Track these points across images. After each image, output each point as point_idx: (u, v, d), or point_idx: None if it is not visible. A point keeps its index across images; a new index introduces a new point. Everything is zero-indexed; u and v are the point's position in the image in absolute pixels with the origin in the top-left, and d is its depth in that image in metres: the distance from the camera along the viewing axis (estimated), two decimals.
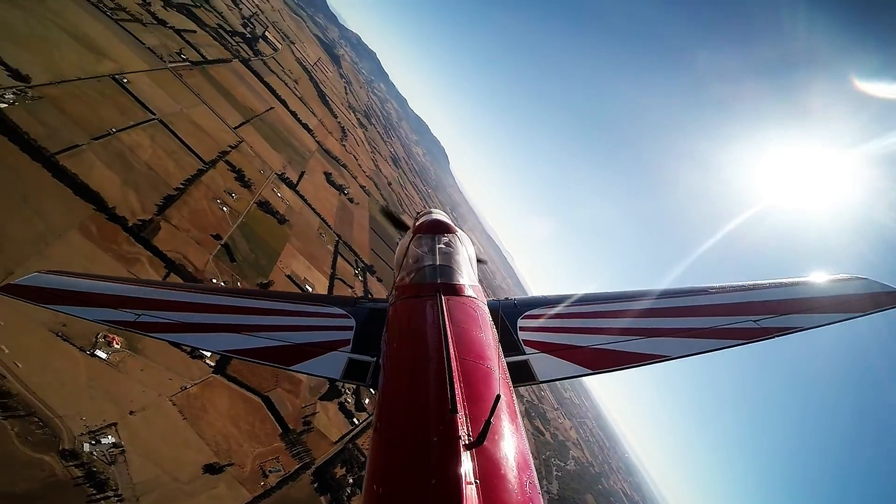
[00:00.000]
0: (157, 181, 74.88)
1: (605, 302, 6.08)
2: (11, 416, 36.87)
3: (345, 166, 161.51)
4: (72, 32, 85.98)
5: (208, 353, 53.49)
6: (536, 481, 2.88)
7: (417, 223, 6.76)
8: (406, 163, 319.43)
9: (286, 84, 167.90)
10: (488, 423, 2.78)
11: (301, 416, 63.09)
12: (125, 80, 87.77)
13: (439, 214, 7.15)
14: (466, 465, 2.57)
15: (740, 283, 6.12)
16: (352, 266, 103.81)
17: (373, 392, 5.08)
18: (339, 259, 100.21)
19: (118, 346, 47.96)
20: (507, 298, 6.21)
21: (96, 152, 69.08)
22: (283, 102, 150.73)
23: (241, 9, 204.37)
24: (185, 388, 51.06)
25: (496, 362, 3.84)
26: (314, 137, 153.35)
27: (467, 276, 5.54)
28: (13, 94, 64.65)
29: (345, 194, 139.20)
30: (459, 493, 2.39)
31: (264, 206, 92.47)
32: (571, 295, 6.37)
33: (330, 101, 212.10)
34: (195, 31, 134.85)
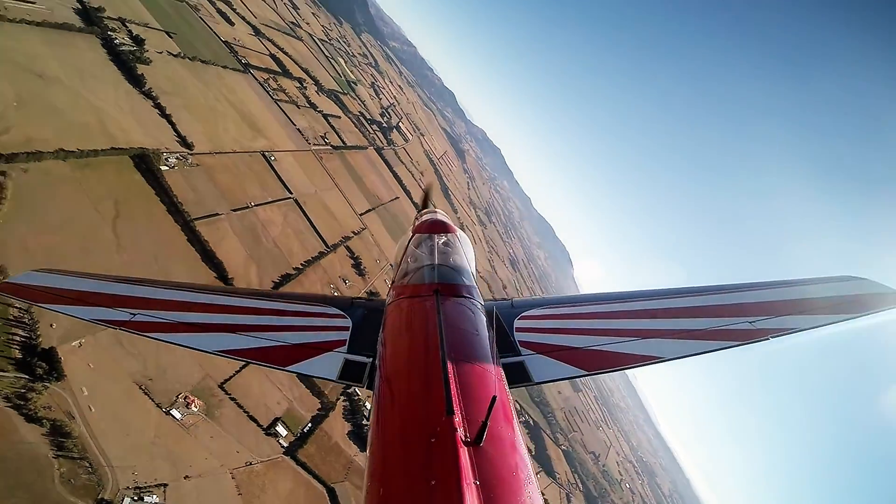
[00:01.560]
0: (280, 259, 78.20)
1: (602, 303, 6.43)
2: (64, 456, 38.52)
3: None
4: (238, 108, 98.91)
5: (283, 433, 56.48)
6: (535, 481, 3.08)
7: (417, 223, 7.23)
8: (525, 266, 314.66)
9: (412, 175, 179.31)
10: (485, 423, 2.97)
11: None
12: (272, 158, 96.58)
13: (439, 214, 7.60)
14: (465, 466, 2.75)
15: (737, 284, 6.45)
16: None
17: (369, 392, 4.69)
18: None
19: (195, 409, 49.80)
20: (503, 299, 7.07)
21: (232, 223, 73.46)
22: (408, 193, 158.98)
23: (381, 99, 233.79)
24: (251, 463, 51.83)
25: (492, 363, 4.20)
26: None
27: (465, 277, 5.87)
28: (176, 158, 72.17)
29: None
30: (459, 493, 2.57)
31: (374, 296, 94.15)
32: (568, 296, 7.26)
33: (452, 196, 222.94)
34: (340, 117, 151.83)
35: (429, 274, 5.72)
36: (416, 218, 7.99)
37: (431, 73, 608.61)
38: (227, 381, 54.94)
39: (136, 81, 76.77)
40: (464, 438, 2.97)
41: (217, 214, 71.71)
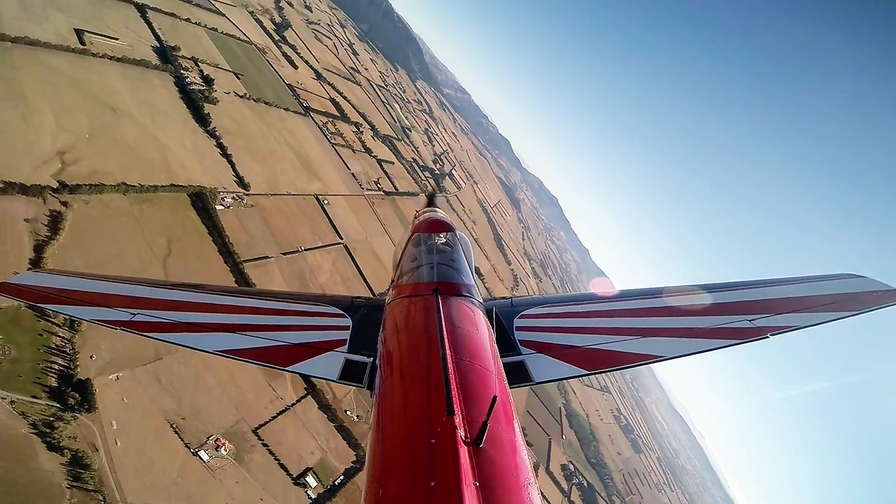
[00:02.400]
0: None
1: (602, 302, 6.76)
2: (78, 487, 38.87)
3: None
4: (297, 151, 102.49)
5: (313, 484, 56.61)
6: (534, 482, 3.19)
7: (416, 222, 7.52)
8: None
9: (465, 224, 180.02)
10: (485, 424, 3.07)
11: None
12: (326, 202, 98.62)
13: (438, 213, 8.02)
14: (465, 467, 2.83)
15: (736, 282, 6.78)
16: None
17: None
18: None
19: (224, 453, 49.86)
20: (503, 298, 7.03)
21: (281, 267, 73.93)
22: None
23: (434, 146, 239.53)
24: None
25: (493, 362, 4.31)
26: (484, 284, 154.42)
27: (465, 276, 6.14)
28: (232, 198, 74.12)
29: None
30: (459, 494, 2.64)
31: None
32: (568, 295, 8.28)
33: (505, 246, 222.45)
34: (393, 163, 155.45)
35: (428, 273, 5.91)
36: (416, 217, 8.19)
37: (486, 121, 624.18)
38: (262, 426, 54.83)
39: (203, 120, 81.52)
40: (464, 439, 3.02)
41: (267, 257, 72.79)
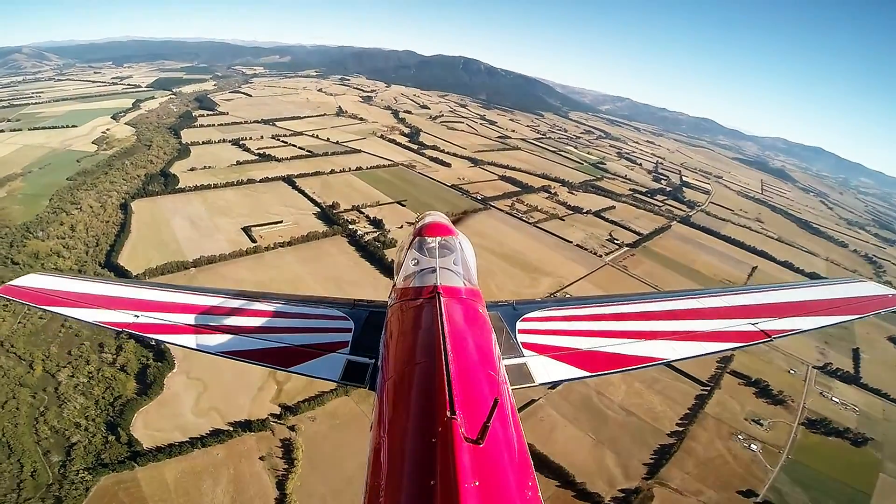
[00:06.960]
0: (643, 430, 69.67)
1: (604, 304, 8.05)
2: None
3: None
4: (500, 252, 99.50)
5: None
6: (536, 483, 3.67)
7: (417, 226, 8.44)
8: None
9: (751, 229, 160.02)
10: (486, 425, 3.52)
11: None
12: (566, 294, 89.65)
13: (439, 217, 8.86)
14: (465, 467, 3.25)
15: (741, 286, 10.51)
16: None
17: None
18: None
19: None
20: (506, 301, 8.17)
21: (557, 407, 67.80)
22: (764, 254, 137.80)
23: (640, 164, 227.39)
24: None
25: (495, 364, 4.96)
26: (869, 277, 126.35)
27: (466, 279, 6.98)
28: None
29: None
30: (459, 494, 3.06)
31: (819, 424, 78.07)
32: (570, 297, 22.58)
33: (818, 226, 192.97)
34: (614, 207, 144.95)
35: (430, 276, 6.69)
36: (417, 220, 9.01)
37: (667, 112, 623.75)
38: None
39: (390, 272, 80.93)
40: (466, 440, 3.45)
41: (533, 401, 68.33)
